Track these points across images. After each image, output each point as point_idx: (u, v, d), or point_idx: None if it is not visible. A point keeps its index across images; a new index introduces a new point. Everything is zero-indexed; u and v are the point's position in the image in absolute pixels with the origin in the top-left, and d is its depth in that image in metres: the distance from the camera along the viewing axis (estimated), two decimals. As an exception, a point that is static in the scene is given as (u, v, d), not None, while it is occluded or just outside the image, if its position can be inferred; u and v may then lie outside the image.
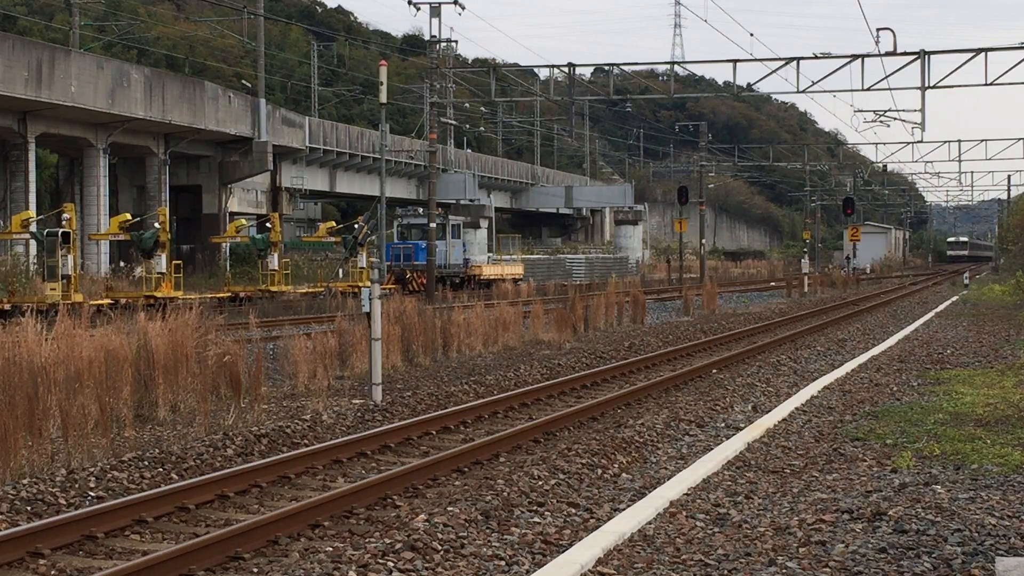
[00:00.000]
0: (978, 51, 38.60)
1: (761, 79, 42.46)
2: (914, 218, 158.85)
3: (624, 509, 9.88)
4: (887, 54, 38.84)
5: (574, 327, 29.62)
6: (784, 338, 28.52)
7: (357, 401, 17.00)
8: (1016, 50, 39.14)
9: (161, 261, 39.23)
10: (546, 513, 9.86)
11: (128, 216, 42.12)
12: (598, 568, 8.15)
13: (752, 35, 66.50)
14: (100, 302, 34.87)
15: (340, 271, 53.58)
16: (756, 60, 41.98)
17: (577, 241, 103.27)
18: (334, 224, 58.13)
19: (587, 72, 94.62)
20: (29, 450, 12.06)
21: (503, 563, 8.31)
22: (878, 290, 61.54)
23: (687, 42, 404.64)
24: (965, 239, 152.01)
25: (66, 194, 54.56)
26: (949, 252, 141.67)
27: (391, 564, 8.19)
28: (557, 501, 10.34)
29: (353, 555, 8.34)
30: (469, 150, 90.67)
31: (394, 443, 13.66)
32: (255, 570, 8.78)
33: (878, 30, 38.45)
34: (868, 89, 40.99)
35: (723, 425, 14.68)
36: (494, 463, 12.74)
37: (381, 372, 17.21)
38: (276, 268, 47.29)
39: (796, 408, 15.69)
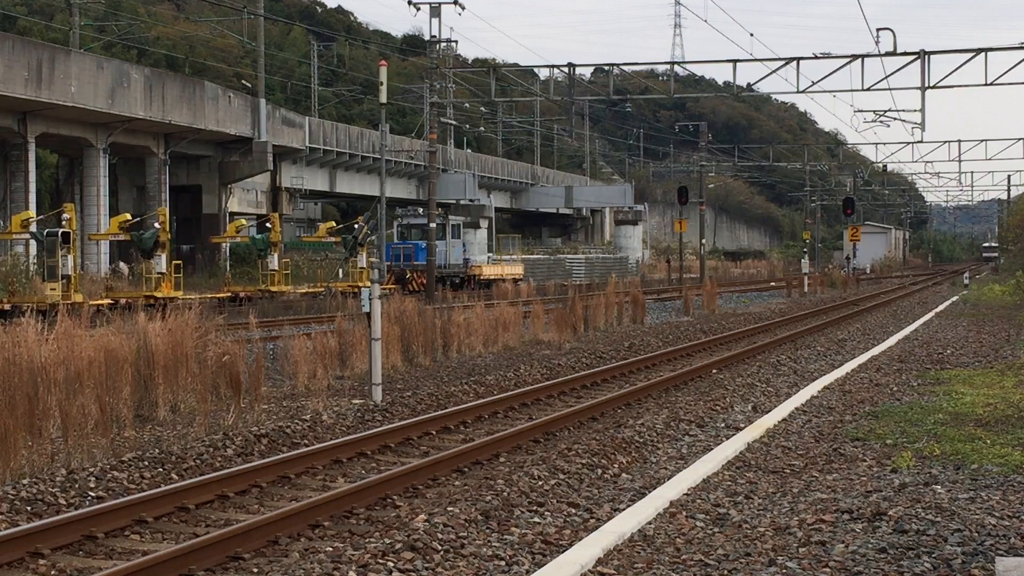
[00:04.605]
0: (978, 51, 38.59)
1: (761, 79, 42.48)
2: (914, 218, 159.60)
3: (624, 509, 9.88)
4: (887, 54, 38.83)
5: (574, 327, 29.61)
6: (784, 338, 28.51)
7: (357, 401, 17.00)
8: (1016, 50, 39.13)
9: (161, 261, 39.22)
10: (546, 513, 9.85)
11: (128, 216, 42.12)
12: (598, 568, 8.15)
13: (752, 35, 66.53)
14: (100, 302, 34.87)
15: (340, 271, 53.57)
16: (756, 60, 41.99)
17: (577, 241, 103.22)
18: (334, 224, 58.12)
19: (587, 72, 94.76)
20: (29, 450, 12.07)
21: (503, 563, 8.31)
22: (878, 290, 61.54)
23: (687, 42, 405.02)
24: (996, 244, 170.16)
25: (66, 194, 54.52)
26: (984, 255, 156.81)
27: (391, 564, 8.19)
28: (557, 501, 10.33)
29: (353, 555, 8.34)
30: (469, 150, 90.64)
31: (394, 443, 13.66)
32: (255, 570, 8.78)
33: (878, 30, 38.45)
34: (868, 89, 40.99)
35: (723, 425, 14.67)
36: (494, 463, 12.74)
37: (381, 372, 17.21)
38: (276, 268, 47.30)
39: (796, 408, 15.69)
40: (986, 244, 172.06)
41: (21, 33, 62.01)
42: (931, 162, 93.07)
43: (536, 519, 9.62)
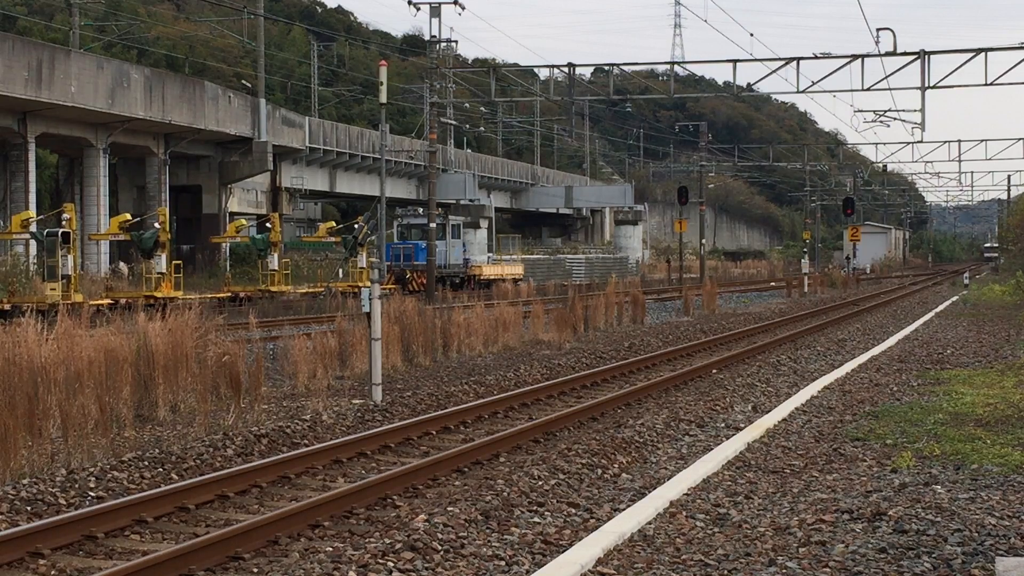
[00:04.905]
0: (978, 51, 38.59)
1: (761, 79, 42.46)
2: (914, 218, 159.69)
3: (624, 509, 9.88)
4: (887, 54, 38.82)
5: (574, 327, 29.61)
6: (784, 338, 28.51)
7: (357, 401, 17.00)
8: (1016, 50, 39.12)
9: (161, 261, 39.22)
10: (546, 513, 9.85)
11: (128, 216, 42.12)
12: (598, 568, 8.15)
13: (752, 35, 66.45)
14: (100, 302, 34.87)
15: (340, 271, 53.59)
16: (756, 60, 41.99)
17: (577, 241, 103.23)
18: (334, 224, 58.12)
19: (587, 72, 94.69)
20: (29, 450, 12.07)
21: (503, 563, 8.30)
22: (878, 290, 61.53)
23: (687, 42, 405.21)
24: (996, 245, 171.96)
25: (66, 194, 54.53)
26: (985, 255, 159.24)
27: (391, 564, 8.19)
28: (557, 501, 10.33)
29: (353, 555, 8.34)
30: (469, 150, 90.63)
31: (394, 443, 13.66)
32: (255, 570, 8.78)
33: (878, 30, 38.42)
34: (868, 89, 40.99)
35: (723, 425, 14.67)
36: (494, 463, 12.74)
37: (381, 372, 17.21)
38: (276, 268, 47.30)
39: (796, 408, 15.69)
40: (987, 244, 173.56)
41: (21, 33, 62.01)
42: (931, 162, 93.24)
43: (536, 519, 9.62)
